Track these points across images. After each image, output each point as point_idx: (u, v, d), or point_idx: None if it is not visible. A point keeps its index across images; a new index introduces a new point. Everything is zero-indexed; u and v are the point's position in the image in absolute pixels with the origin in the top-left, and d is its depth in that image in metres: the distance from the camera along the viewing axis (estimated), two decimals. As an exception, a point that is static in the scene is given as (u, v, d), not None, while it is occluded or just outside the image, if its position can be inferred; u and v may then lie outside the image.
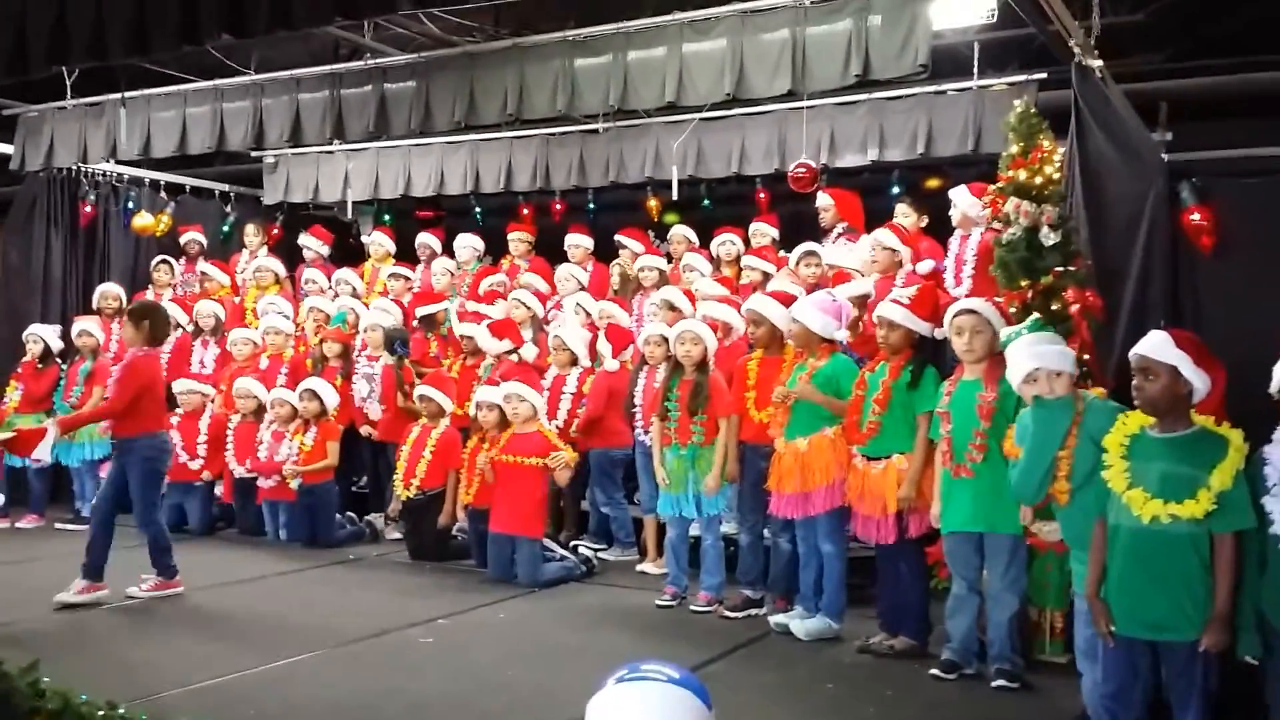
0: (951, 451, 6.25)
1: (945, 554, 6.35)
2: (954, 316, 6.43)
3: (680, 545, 8.16)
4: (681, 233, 11.74)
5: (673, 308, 9.77)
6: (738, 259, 10.82)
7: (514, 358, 10.40)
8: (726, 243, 11.17)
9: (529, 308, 11.18)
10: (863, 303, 8.26)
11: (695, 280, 10.49)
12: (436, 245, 13.14)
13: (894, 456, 6.75)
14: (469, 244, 13.15)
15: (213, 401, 11.10)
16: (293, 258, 13.54)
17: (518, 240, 12.77)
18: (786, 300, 7.90)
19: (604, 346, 10.07)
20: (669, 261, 11.49)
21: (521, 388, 9.09)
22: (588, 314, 10.86)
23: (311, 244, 13.37)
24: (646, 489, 9.25)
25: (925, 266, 8.61)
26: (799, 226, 10.87)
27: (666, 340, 8.71)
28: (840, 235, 10.09)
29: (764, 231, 11.01)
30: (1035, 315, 6.31)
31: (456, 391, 10.32)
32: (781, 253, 10.57)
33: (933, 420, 6.46)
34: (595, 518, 10.06)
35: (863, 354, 7.75)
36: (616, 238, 12.05)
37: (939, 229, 9.26)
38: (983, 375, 6.31)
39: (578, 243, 12.27)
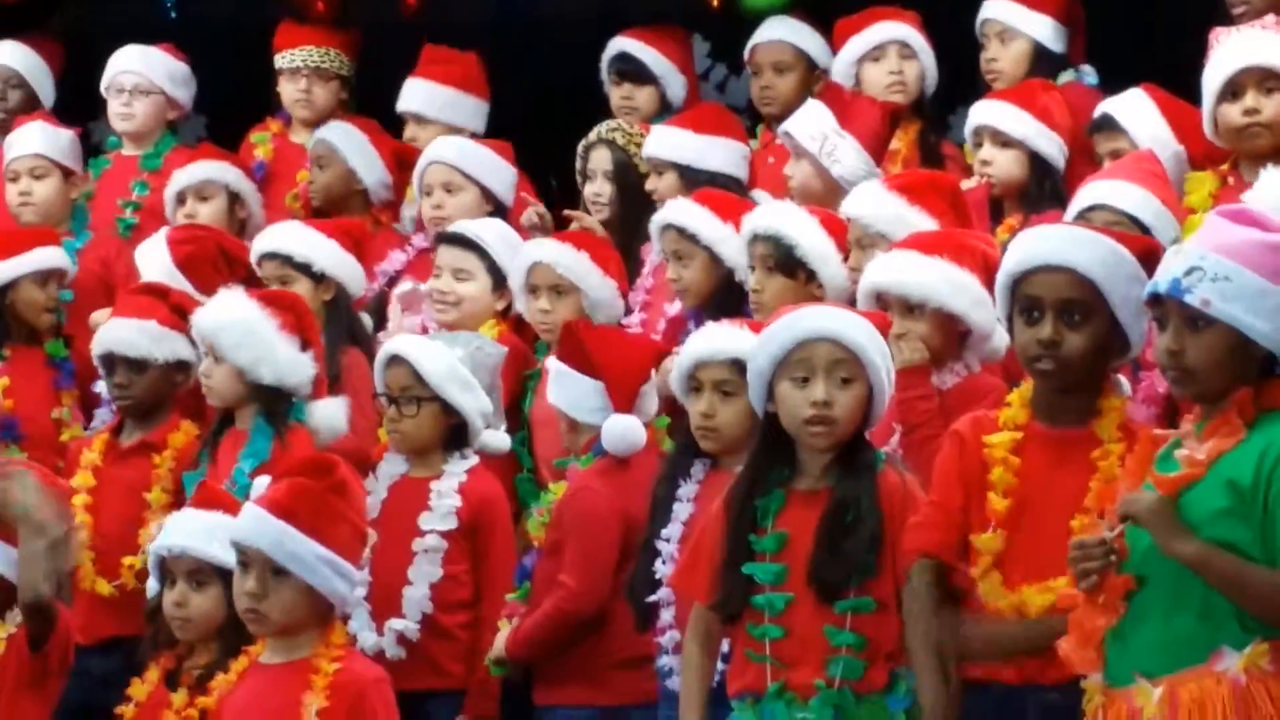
0: None
1: None
2: None
3: None
4: (781, 42, 5.97)
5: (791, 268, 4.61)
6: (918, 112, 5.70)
7: (289, 426, 4.86)
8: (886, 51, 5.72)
9: (311, 272, 5.36)
10: None
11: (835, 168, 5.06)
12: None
13: None
14: (130, 66, 6.38)
15: None
16: None
17: (302, 67, 6.36)
18: (1140, 249, 3.50)
19: (571, 390, 4.56)
20: (756, 125, 6.01)
21: (281, 536, 3.82)
22: (496, 281, 5.29)
23: None
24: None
25: None
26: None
27: (734, 367, 4.01)
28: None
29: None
30: None
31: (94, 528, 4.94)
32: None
33: None
34: None
35: None
36: (615, 48, 6.21)
37: None
38: None
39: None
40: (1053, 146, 5.08)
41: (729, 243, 4.77)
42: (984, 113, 5.19)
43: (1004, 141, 5.10)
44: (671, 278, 4.94)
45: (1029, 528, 3.38)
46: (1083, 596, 3.08)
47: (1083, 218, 4.17)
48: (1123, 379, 3.61)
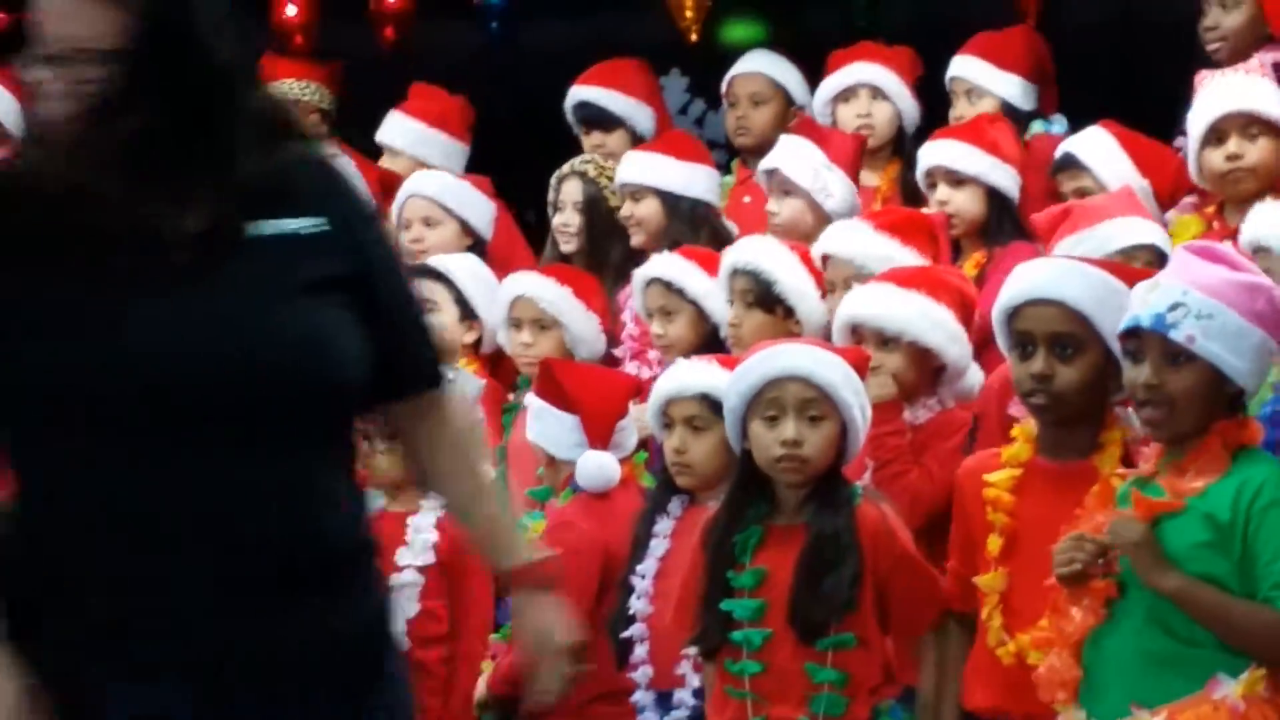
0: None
1: None
2: None
3: None
4: (759, 74, 5.85)
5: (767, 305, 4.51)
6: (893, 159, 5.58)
7: None
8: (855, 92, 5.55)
9: None
10: None
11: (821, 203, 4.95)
12: None
13: None
14: None
15: None
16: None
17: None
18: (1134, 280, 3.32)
19: (554, 430, 4.44)
20: (731, 158, 5.99)
21: None
22: (464, 313, 5.20)
23: None
24: None
25: None
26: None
27: (704, 402, 3.93)
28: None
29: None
30: None
31: None
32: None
33: None
34: None
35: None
36: (574, 97, 6.02)
37: None
38: None
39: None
40: (1007, 179, 4.89)
41: (715, 297, 4.63)
42: (935, 153, 4.96)
43: (958, 180, 4.88)
44: (656, 333, 4.77)
45: (1029, 563, 3.29)
46: (1064, 591, 3.05)
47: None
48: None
